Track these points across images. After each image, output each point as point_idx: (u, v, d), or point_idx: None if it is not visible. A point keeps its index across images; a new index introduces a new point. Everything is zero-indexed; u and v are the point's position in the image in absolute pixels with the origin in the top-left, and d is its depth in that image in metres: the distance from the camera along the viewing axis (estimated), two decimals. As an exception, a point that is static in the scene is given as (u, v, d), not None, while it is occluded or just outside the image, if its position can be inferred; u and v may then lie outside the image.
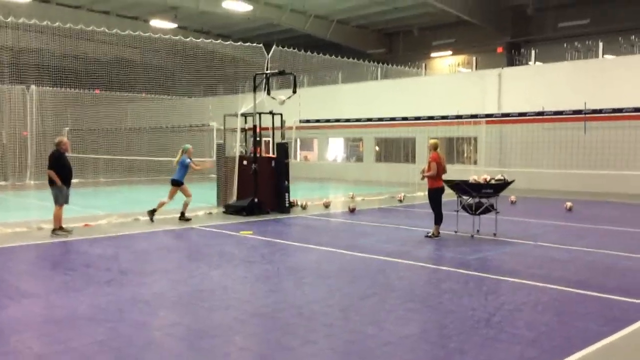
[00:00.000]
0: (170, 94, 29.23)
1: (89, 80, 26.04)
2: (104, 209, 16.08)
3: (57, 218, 11.60)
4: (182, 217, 13.89)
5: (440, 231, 11.51)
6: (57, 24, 15.93)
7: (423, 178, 11.59)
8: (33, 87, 26.31)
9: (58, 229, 11.60)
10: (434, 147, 11.51)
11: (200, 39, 20.40)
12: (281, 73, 16.26)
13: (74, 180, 12.06)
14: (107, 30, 16.58)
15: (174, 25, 33.24)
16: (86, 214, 14.69)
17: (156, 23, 32.45)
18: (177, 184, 13.84)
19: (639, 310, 6.52)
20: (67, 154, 11.85)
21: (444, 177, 11.58)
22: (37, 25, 15.19)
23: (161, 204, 13.73)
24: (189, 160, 13.93)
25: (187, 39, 18.41)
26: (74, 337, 5.62)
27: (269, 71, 16.34)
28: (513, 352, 5.24)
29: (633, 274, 8.42)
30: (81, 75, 25.52)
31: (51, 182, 11.47)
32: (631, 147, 19.51)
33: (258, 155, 15.42)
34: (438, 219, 11.43)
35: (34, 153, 26.12)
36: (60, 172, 11.43)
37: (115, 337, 5.59)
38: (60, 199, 11.49)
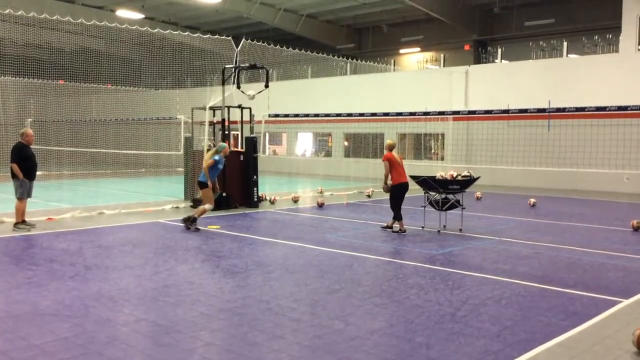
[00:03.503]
0: (137, 86, 28.77)
1: (53, 70, 25.45)
2: (67, 202, 15.79)
3: (19, 212, 11.35)
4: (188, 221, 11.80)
5: (408, 227, 11.61)
6: (20, 12, 15.52)
7: (387, 190, 11.73)
8: (-6, 76, 25.62)
9: (20, 222, 11.35)
10: (389, 148, 11.78)
11: (168, 31, 20.10)
12: (253, 67, 16.16)
13: (37, 173, 11.80)
14: (71, 20, 16.20)
15: (141, 16, 32.71)
16: (49, 207, 14.40)
17: (123, 13, 31.88)
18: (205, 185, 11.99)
19: (599, 305, 6.70)
20: (30, 146, 11.60)
21: (411, 173, 11.71)
22: (-1, 13, 14.78)
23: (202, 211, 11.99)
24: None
25: (155, 30, 18.11)
26: (36, 333, 5.51)
27: (239, 65, 16.21)
28: (477, 346, 5.33)
29: (594, 270, 8.64)
30: (45, 65, 24.93)
31: (14, 175, 11.23)
32: (593, 145, 19.96)
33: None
34: (397, 217, 11.56)
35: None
36: (23, 164, 11.20)
37: (79, 334, 5.50)
38: (22, 193, 11.25)
